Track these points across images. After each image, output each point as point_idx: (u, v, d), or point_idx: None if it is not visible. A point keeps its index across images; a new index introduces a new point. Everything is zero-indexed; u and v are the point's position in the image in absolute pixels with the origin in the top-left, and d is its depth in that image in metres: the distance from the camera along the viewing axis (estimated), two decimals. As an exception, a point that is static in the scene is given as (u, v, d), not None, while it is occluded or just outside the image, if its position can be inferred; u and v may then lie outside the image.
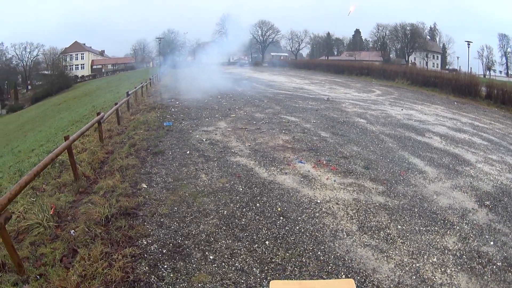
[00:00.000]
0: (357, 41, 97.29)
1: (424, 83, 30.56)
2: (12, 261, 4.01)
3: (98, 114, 10.00)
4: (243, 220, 5.36)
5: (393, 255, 4.52)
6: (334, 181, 7.03)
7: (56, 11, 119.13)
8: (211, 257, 4.37)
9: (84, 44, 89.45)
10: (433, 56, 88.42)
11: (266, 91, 22.05)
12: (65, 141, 6.80)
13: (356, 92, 24.23)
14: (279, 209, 5.72)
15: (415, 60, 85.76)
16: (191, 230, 5.03)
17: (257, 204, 5.89)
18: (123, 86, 30.81)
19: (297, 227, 5.14)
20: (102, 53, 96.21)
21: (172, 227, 5.10)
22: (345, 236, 4.93)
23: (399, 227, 5.24)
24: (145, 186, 6.67)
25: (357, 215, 5.58)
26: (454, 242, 4.89)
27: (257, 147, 9.38)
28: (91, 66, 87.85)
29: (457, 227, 5.30)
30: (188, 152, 8.91)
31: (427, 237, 5.00)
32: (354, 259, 4.42)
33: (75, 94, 44.98)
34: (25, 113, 45.67)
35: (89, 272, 3.96)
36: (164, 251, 4.48)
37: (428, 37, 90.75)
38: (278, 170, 7.59)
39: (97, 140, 10.19)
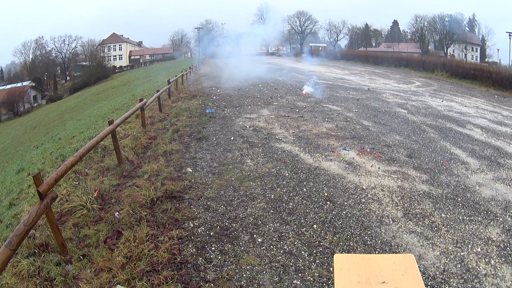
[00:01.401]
0: (395, 33, 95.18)
1: (463, 75, 29.94)
2: (56, 241, 4.16)
3: (140, 100, 10.26)
4: (291, 204, 5.40)
5: (438, 243, 4.51)
6: (379, 168, 7.06)
7: (94, 4, 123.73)
8: (259, 240, 4.42)
9: (122, 35, 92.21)
10: (472, 49, 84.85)
11: (307, 81, 21.87)
12: (109, 125, 7.03)
13: (396, 83, 24.08)
14: (325, 194, 5.76)
15: (453, 52, 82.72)
16: (238, 213, 5.11)
17: (304, 189, 5.94)
18: (161, 76, 31.64)
19: (344, 212, 5.17)
20: (139, 44, 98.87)
21: (219, 210, 5.19)
22: (391, 222, 4.94)
23: (443, 215, 5.22)
24: (190, 170, 6.82)
25: (402, 202, 5.59)
26: (497, 233, 4.80)
27: (301, 134, 9.47)
28: (129, 57, 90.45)
29: (500, 219, 5.18)
30: (232, 138, 9.10)
31: (471, 226, 4.94)
32: (400, 245, 4.41)
33: (113, 84, 46.55)
34: (64, 103, 47.65)
35: (134, 253, 4.08)
36: (211, 234, 4.57)
37: (467, 28, 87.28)
38: (323, 156, 7.66)
39: (139, 126, 10.50)
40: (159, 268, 3.81)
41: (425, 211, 5.30)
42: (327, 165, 7.13)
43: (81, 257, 4.12)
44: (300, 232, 4.61)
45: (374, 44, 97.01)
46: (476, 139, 9.81)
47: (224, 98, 15.89)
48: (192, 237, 4.46)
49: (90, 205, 5.32)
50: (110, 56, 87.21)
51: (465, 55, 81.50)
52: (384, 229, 4.75)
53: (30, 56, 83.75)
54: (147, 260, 3.94)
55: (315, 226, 4.76)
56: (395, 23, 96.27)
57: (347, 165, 7.15)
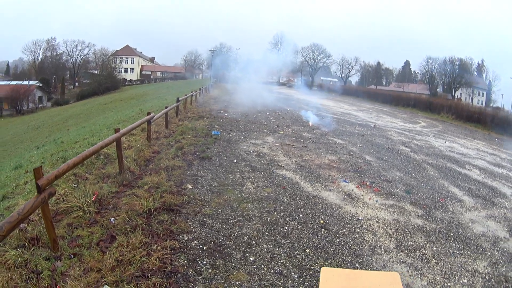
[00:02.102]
0: (406, 73, 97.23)
1: (468, 118, 31.94)
2: (48, 236, 4.29)
3: (148, 114, 10.52)
4: (286, 228, 5.54)
5: (427, 273, 4.71)
6: (376, 201, 7.29)
7: (111, 12, 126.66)
8: (251, 259, 4.54)
9: (136, 49, 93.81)
10: (479, 93, 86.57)
11: (316, 113, 22.28)
12: (115, 133, 7.24)
13: (402, 122, 25.00)
14: (321, 221, 5.91)
15: (461, 95, 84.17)
16: (233, 231, 5.23)
17: (300, 215, 6.10)
18: (171, 94, 32.13)
19: (338, 240, 5.32)
20: (152, 59, 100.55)
21: (215, 227, 5.32)
22: (382, 252, 5.10)
23: (435, 248, 5.46)
24: (190, 187, 7.00)
25: (396, 234, 5.80)
26: (484, 266, 5.12)
27: (303, 163, 9.69)
28: (140, 71, 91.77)
29: (489, 253, 5.53)
30: (235, 160, 9.31)
31: (460, 259, 5.21)
32: None
33: (122, 97, 47.17)
34: (70, 108, 48.28)
35: (126, 258, 4.19)
36: (204, 248, 4.68)
37: (475, 73, 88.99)
38: (323, 186, 7.87)
39: (144, 140, 10.73)
40: (149, 274, 3.91)
41: (417, 243, 5.51)
42: (325, 194, 7.32)
43: (71, 255, 4.24)
44: (292, 255, 4.72)
45: (384, 83, 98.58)
46: (474, 179, 10.31)
47: (231, 122, 16.20)
48: (185, 249, 4.56)
49: (87, 207, 5.46)
50: (121, 68, 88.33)
51: (472, 99, 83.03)
52: (376, 258, 4.90)
53: (40, 56, 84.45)
54: (137, 265, 4.05)
55: (307, 250, 4.87)
56: (407, 63, 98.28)
57: (345, 196, 7.34)
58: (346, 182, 8.37)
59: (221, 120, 16.50)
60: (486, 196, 8.59)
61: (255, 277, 4.15)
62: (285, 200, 6.75)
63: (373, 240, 5.44)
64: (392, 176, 9.40)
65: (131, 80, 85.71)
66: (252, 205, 6.32)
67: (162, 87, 55.25)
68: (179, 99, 17.26)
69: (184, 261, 4.31)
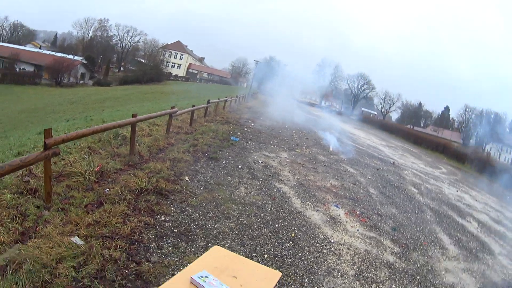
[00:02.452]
0: (444, 118, 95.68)
1: (490, 173, 31.70)
2: (44, 189, 4.96)
3: (172, 108, 11.22)
4: (256, 232, 5.91)
5: None
6: (357, 230, 7.44)
7: (170, 7, 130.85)
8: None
9: (186, 46, 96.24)
10: (507, 150, 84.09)
11: (341, 140, 22.58)
12: (132, 117, 7.93)
13: (423, 165, 25.04)
14: (292, 235, 6.21)
15: (490, 149, 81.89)
16: (207, 224, 5.69)
17: (276, 225, 6.42)
18: (211, 96, 32.96)
19: (300, 254, 5.57)
20: (201, 60, 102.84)
21: (192, 216, 5.81)
22: (338, 276, 5.27)
23: (393, 287, 5.52)
24: (187, 179, 7.56)
25: (361, 264, 5.91)
26: None
27: (304, 182, 9.96)
28: (187, 69, 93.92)
29: None
30: (240, 166, 9.78)
31: None
32: None
33: (163, 90, 48.68)
34: (110, 91, 50.12)
35: (103, 220, 4.79)
36: (174, 230, 5.18)
37: (507, 129, 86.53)
38: (312, 206, 8.12)
39: (164, 131, 11.38)
40: (116, 237, 4.46)
41: (378, 277, 5.60)
42: (310, 213, 7.56)
43: (60, 209, 4.89)
44: (249, 255, 5.07)
45: (422, 125, 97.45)
46: (469, 231, 10.42)
47: (254, 132, 16.69)
48: (157, 227, 5.08)
49: (88, 175, 6.14)
50: (169, 62, 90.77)
51: (499, 155, 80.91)
52: (328, 279, 5.08)
53: (90, 34, 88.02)
54: (110, 228, 4.62)
55: (266, 255, 5.21)
56: (447, 108, 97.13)
57: (328, 219, 7.54)
58: (337, 207, 8.55)
59: (245, 129, 17.04)
60: (472, 250, 8.68)
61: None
62: (269, 209, 7.08)
63: (335, 263, 5.61)
64: (386, 211, 9.52)
65: (176, 76, 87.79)
66: (236, 206, 6.73)
67: (204, 88, 56.60)
68: (210, 101, 17.99)
69: (151, 235, 4.82)
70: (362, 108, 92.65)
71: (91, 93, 44.57)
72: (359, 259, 6.04)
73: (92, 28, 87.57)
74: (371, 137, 35.47)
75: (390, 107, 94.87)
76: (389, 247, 7.07)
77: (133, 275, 3.93)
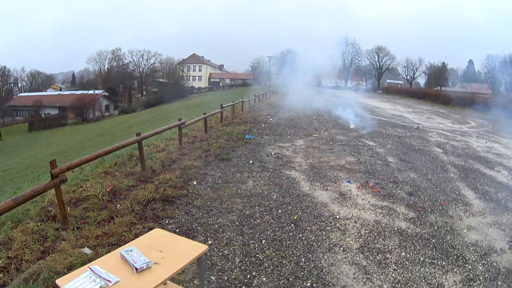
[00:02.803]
0: (470, 73, 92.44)
1: None
2: (60, 213, 5.61)
3: (179, 120, 11.83)
4: (258, 221, 6.14)
5: (374, 279, 4.57)
6: (368, 202, 7.36)
7: (178, 23, 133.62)
8: (209, 242, 5.29)
9: (203, 57, 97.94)
10: None
11: (363, 116, 22.56)
12: (136, 136, 8.57)
13: (451, 123, 24.49)
14: (295, 217, 6.33)
15: None
16: (209, 220, 6.05)
17: (279, 211, 6.60)
18: (230, 101, 33.55)
19: (300, 235, 5.68)
20: (221, 67, 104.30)
21: (195, 216, 6.20)
22: (339, 251, 5.23)
23: (403, 254, 5.23)
24: (195, 183, 7.98)
25: (367, 235, 5.80)
26: (454, 281, 4.63)
27: (317, 164, 10.10)
28: (209, 79, 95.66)
29: (469, 266, 5.01)
30: (251, 161, 10.14)
31: (427, 270, 4.85)
32: (331, 272, 4.69)
33: (188, 104, 49.84)
34: (135, 116, 51.89)
35: (111, 231, 5.34)
36: (176, 231, 5.59)
37: None
38: (322, 186, 8.20)
39: (178, 144, 11.99)
40: (121, 243, 4.95)
41: (385, 247, 5.38)
42: (318, 193, 7.64)
43: (75, 228, 5.50)
44: (246, 243, 5.33)
45: (450, 84, 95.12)
46: (498, 181, 9.78)
47: (272, 126, 17.07)
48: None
49: (101, 196, 6.77)
50: (189, 76, 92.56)
51: None
52: (327, 256, 5.06)
53: (106, 66, 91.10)
54: (117, 237, 5.15)
55: (263, 241, 5.41)
56: (471, 62, 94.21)
57: (337, 196, 7.56)
58: (350, 182, 8.55)
59: (263, 125, 17.46)
60: (501, 200, 8.00)
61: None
62: (274, 197, 7.28)
63: (338, 239, 5.58)
64: (404, 177, 9.31)
65: (199, 88, 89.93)
66: (240, 199, 7.03)
67: (228, 94, 57.36)
68: (223, 106, 18.56)
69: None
70: (388, 80, 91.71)
71: (118, 123, 46.03)
72: (367, 231, 5.94)
73: (106, 60, 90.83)
74: (397, 107, 35.18)
75: (414, 74, 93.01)
76: (403, 214, 6.85)
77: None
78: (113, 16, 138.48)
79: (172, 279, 3.47)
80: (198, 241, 5.19)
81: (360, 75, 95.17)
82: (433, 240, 5.80)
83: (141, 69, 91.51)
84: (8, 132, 53.63)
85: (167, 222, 5.94)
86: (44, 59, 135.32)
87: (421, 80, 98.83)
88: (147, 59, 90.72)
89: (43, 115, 64.13)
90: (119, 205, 6.49)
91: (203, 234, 5.60)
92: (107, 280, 2.68)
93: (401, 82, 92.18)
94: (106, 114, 68.50)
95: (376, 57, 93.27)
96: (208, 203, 6.88)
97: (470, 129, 21.74)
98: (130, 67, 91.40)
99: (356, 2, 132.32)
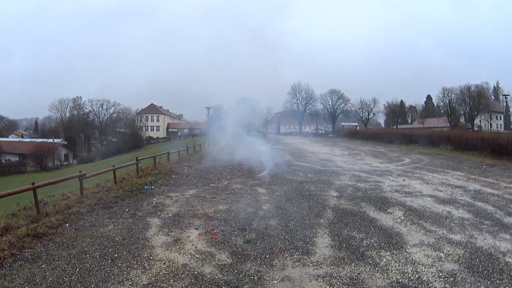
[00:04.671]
0: (429, 108, 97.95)
1: (465, 147, 31.47)
2: None
3: (80, 172, 13.90)
4: (89, 257, 8.05)
5: None
6: (196, 247, 8.31)
7: (141, 75, 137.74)
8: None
9: (161, 106, 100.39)
10: (497, 117, 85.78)
11: (287, 163, 24.33)
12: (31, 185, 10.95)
13: (380, 163, 25.21)
14: (116, 255, 8.08)
15: (480, 122, 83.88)
16: (54, 252, 8.19)
17: (114, 249, 8.37)
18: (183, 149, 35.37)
19: (116, 270, 7.56)
20: (180, 117, 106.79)
21: (48, 247, 8.35)
22: (128, 284, 6.87)
23: None
24: (67, 226, 9.97)
25: (162, 275, 6.98)
26: None
27: (183, 212, 11.46)
28: (167, 129, 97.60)
29: None
30: (127, 209, 12.01)
31: None
32: None
33: (142, 154, 51.29)
34: (93, 166, 53.18)
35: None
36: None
37: (493, 97, 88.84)
38: (168, 231, 9.51)
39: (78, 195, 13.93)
40: None
41: (170, 287, 6.50)
42: (157, 238, 8.99)
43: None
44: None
45: (410, 121, 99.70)
46: (378, 225, 9.85)
47: (180, 177, 18.67)
48: (17, 255, 7.87)
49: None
50: (147, 126, 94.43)
51: (490, 124, 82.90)
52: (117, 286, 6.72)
53: (67, 114, 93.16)
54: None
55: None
56: (429, 98, 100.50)
57: (171, 241, 8.75)
58: (197, 229, 9.57)
59: (173, 176, 19.16)
60: (361, 249, 8.08)
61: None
62: (117, 239, 9.00)
63: (135, 275, 6.93)
64: (259, 225, 9.92)
65: (157, 138, 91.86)
66: (89, 239, 8.97)
67: (180, 144, 59.33)
68: (138, 158, 20.54)
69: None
70: (342, 123, 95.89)
71: (74, 171, 45.56)
72: (165, 271, 7.07)
73: (68, 108, 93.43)
74: (335, 150, 36.66)
75: (369, 114, 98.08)
76: (219, 260, 7.57)
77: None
78: (81, 64, 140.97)
79: None
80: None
81: (311, 120, 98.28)
82: (224, 287, 6.37)
83: (101, 119, 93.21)
84: (-35, 177, 53.30)
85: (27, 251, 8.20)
86: (9, 104, 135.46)
87: (381, 120, 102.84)
88: (106, 109, 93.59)
89: (3, 161, 64.96)
90: (4, 237, 8.83)
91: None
92: None
93: (356, 124, 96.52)
94: (65, 163, 69.51)
95: (330, 100, 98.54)
96: (65, 240, 8.93)
97: (396, 167, 22.45)
98: (91, 116, 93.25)
99: (313, 49, 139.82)
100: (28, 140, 77.66)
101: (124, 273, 6.99)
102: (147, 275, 6.88)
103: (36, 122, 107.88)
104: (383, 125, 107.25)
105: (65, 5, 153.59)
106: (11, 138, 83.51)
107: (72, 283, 6.67)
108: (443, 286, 6.38)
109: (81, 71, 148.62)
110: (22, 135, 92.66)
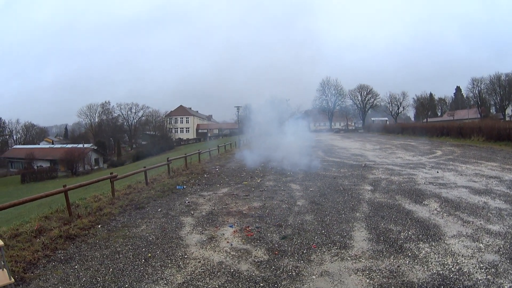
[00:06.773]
0: (458, 99, 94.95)
1: (498, 137, 30.93)
2: None
3: (111, 173, 14.01)
4: (121, 257, 7.99)
5: None
6: (231, 245, 8.22)
7: (171, 79, 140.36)
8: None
9: (190, 108, 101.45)
10: None
11: (319, 159, 23.96)
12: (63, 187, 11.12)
13: (412, 156, 25.17)
14: (149, 255, 7.98)
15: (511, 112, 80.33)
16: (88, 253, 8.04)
17: (147, 249, 8.28)
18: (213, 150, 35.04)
19: (151, 270, 7.49)
20: (209, 117, 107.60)
21: (83, 248, 8.30)
22: (162, 283, 6.86)
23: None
24: (99, 227, 9.97)
25: (197, 273, 6.90)
26: None
27: (217, 210, 11.43)
28: (197, 130, 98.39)
29: None
30: (159, 209, 12.00)
31: None
32: None
33: (173, 155, 51.82)
34: (122, 169, 53.20)
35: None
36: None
37: None
38: (202, 230, 9.45)
39: (110, 196, 14.01)
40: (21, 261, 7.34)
41: (206, 285, 6.41)
42: (191, 237, 8.95)
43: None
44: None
45: (440, 113, 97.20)
46: (415, 217, 9.71)
47: (212, 176, 18.61)
48: (51, 256, 7.66)
49: (30, 233, 9.15)
50: (177, 128, 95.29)
51: None
52: (150, 286, 6.80)
53: (96, 119, 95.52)
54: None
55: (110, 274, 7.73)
56: (458, 89, 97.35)
57: (206, 239, 8.69)
58: (231, 226, 9.50)
59: (205, 175, 19.10)
60: (399, 241, 7.92)
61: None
62: (150, 238, 8.97)
63: (169, 274, 6.89)
64: (295, 220, 9.81)
65: (187, 139, 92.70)
66: (122, 239, 8.88)
67: (210, 144, 59.57)
68: (169, 159, 20.44)
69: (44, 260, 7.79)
70: (372, 118, 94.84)
71: (104, 175, 46.70)
72: (201, 270, 6.99)
73: (96, 114, 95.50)
74: (366, 145, 36.53)
75: (398, 108, 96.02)
76: (255, 257, 7.45)
77: None
78: (111, 71, 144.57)
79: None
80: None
81: (346, 115, 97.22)
82: (262, 284, 6.28)
83: (130, 122, 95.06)
84: (2, 183, 56.87)
85: (60, 252, 8.24)
86: (40, 112, 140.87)
87: (411, 113, 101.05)
88: (135, 112, 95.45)
89: (35, 167, 67.08)
90: (38, 239, 8.77)
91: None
92: None
93: (386, 118, 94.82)
94: (96, 167, 70.98)
95: (359, 96, 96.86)
96: (97, 241, 8.95)
97: (429, 160, 22.33)
98: (120, 120, 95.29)
99: (339, 47, 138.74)
100: (59, 146, 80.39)
101: (159, 272, 6.98)
102: (182, 274, 6.85)
103: (65, 128, 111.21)
104: (412, 119, 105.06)
105: (97, 18, 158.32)
106: (42, 145, 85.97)
107: (105, 283, 6.63)
108: (485, 277, 6.20)
109: (112, 77, 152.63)
110: (52, 141, 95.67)
